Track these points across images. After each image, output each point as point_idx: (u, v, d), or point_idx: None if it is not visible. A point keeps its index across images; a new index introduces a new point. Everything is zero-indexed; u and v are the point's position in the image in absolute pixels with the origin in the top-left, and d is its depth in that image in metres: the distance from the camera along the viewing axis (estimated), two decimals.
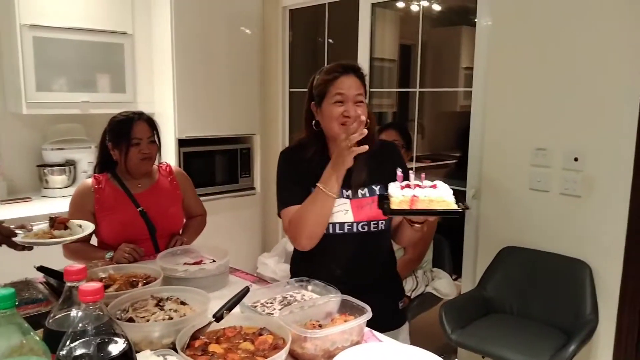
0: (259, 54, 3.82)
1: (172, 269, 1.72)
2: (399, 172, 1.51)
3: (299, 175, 1.69)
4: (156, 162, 2.23)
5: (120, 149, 2.07)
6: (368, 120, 1.57)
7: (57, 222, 1.72)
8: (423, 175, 1.49)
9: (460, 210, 1.39)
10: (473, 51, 2.74)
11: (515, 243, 2.47)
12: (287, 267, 3.62)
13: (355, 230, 1.68)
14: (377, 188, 1.69)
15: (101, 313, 0.76)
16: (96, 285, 0.74)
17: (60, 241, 1.72)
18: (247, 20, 3.71)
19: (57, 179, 3.28)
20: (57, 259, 2.13)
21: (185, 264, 1.82)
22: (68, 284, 0.83)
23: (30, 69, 2.98)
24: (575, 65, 2.25)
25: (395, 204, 1.41)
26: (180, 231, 2.28)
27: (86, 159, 3.36)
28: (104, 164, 2.18)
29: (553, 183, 2.35)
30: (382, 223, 1.70)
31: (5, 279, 1.75)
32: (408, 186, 1.45)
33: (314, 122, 1.71)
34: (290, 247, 3.79)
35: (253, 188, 3.95)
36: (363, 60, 3.33)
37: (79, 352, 0.73)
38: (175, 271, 1.71)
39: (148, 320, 1.33)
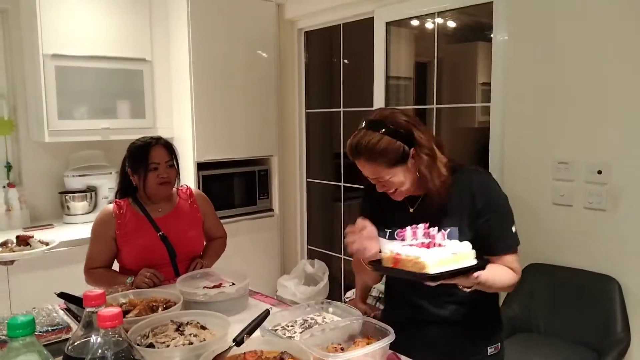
0: (275, 76, 3.86)
1: (191, 292, 1.71)
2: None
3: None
4: (176, 186, 2.24)
5: (139, 174, 2.09)
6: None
7: (19, 239, 1.81)
8: (442, 232, 1.34)
9: (431, 280, 1.22)
10: (489, 66, 2.73)
11: (539, 260, 2.42)
12: (307, 289, 3.63)
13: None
14: (449, 232, 1.42)
15: (120, 339, 0.75)
16: (115, 310, 0.73)
17: (12, 256, 1.87)
18: (264, 44, 3.75)
19: (79, 205, 3.32)
20: (79, 286, 2.15)
21: (204, 287, 1.81)
22: (87, 309, 0.83)
23: (53, 98, 3.04)
24: (595, 76, 2.21)
25: (384, 261, 1.34)
26: (201, 254, 2.28)
27: (107, 185, 3.40)
28: (124, 189, 2.19)
29: (577, 197, 2.30)
30: None
31: (27, 305, 1.76)
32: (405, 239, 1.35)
33: None
34: (309, 269, 3.78)
35: (272, 209, 3.94)
36: (379, 79, 3.34)
37: None
38: (195, 295, 1.70)
39: (168, 346, 1.32)
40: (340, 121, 3.77)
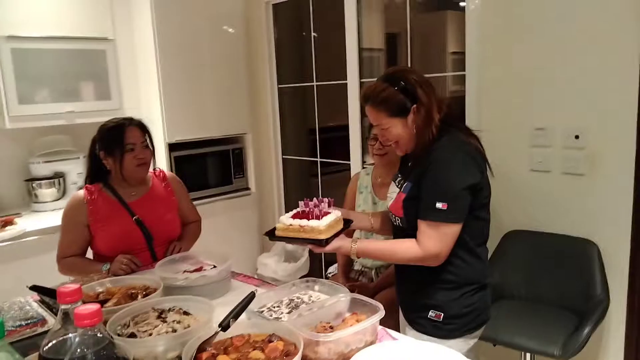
0: (244, 51, 3.75)
1: (172, 277, 1.66)
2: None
3: None
4: (150, 168, 2.16)
5: (114, 157, 2.00)
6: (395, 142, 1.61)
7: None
8: (326, 200, 1.60)
9: (322, 241, 1.50)
10: (459, 36, 2.69)
11: (519, 227, 2.43)
12: (288, 266, 3.61)
13: (392, 221, 1.71)
14: (406, 185, 1.62)
15: (100, 335, 0.70)
16: (93, 307, 0.67)
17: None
18: (230, 18, 3.63)
19: (47, 193, 3.20)
20: (52, 275, 2.07)
21: (185, 271, 1.76)
22: (62, 306, 0.77)
23: (11, 82, 2.89)
24: (570, 41, 2.20)
25: (278, 230, 1.60)
26: (177, 238, 2.21)
27: (75, 170, 3.28)
28: (94, 174, 2.10)
29: (554, 163, 2.31)
30: (397, 219, 1.65)
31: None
32: (298, 214, 1.60)
33: None
34: (289, 246, 3.75)
35: (248, 188, 3.88)
36: (351, 52, 3.27)
37: None
38: (175, 280, 1.65)
39: (151, 334, 1.27)
40: (313, 96, 3.70)
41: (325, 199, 1.61)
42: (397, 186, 1.68)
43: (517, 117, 2.41)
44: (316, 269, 3.79)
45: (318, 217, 1.54)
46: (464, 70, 2.67)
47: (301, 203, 1.62)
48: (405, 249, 1.55)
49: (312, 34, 3.66)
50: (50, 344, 0.78)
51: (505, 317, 2.17)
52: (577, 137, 2.21)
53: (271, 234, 1.62)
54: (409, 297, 1.70)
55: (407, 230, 1.60)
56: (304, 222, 1.53)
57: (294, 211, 1.64)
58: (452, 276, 1.59)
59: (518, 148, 2.41)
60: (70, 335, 0.76)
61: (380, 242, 1.65)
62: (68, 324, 0.78)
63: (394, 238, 1.71)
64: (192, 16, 3.41)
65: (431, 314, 1.61)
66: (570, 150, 2.25)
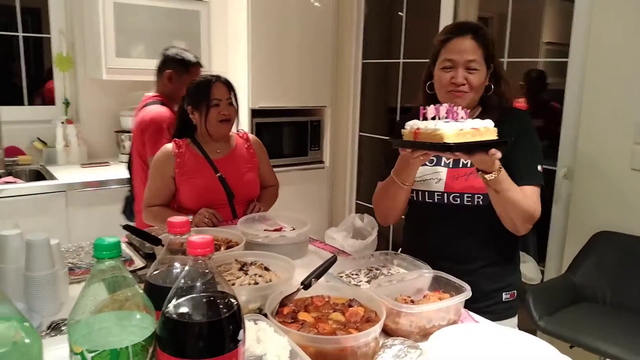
0: (333, 25, 3.71)
1: (253, 234, 1.68)
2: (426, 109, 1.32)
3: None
4: (234, 129, 2.20)
5: (200, 111, 2.05)
6: (490, 85, 1.53)
7: None
8: (458, 108, 1.30)
9: (451, 145, 1.21)
10: (556, 25, 2.53)
11: (611, 228, 2.28)
12: (355, 242, 3.59)
13: (445, 201, 1.56)
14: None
15: (209, 270, 0.70)
16: (206, 237, 0.68)
17: None
18: None
19: None
20: (131, 223, 2.16)
21: (265, 230, 1.78)
22: (171, 236, 0.79)
23: (111, 35, 3.02)
24: None
25: (404, 136, 1.36)
26: (256, 199, 2.25)
27: None
28: (182, 129, 2.16)
29: None
30: (478, 197, 1.51)
31: (85, 238, 1.78)
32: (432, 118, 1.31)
33: (427, 84, 1.60)
34: (358, 223, 3.73)
35: (322, 162, 3.88)
36: None
37: (186, 309, 0.67)
38: (257, 237, 1.67)
39: (233, 284, 1.29)
40: (398, 74, 3.62)
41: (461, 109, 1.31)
42: (440, 165, 1.56)
43: (622, 112, 2.24)
44: (382, 249, 3.75)
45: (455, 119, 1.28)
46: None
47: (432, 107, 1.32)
48: (527, 197, 1.44)
49: (404, 11, 3.57)
50: (156, 272, 0.81)
51: (586, 320, 2.06)
52: None
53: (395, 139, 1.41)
54: (481, 284, 1.51)
55: (486, 210, 1.47)
56: (431, 123, 1.28)
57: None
58: (514, 252, 1.63)
59: (620, 144, 2.25)
60: (176, 264, 0.78)
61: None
62: (174, 254, 0.80)
63: (447, 224, 1.58)
64: None
65: (505, 295, 1.57)
66: None
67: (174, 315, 0.67)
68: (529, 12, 3.62)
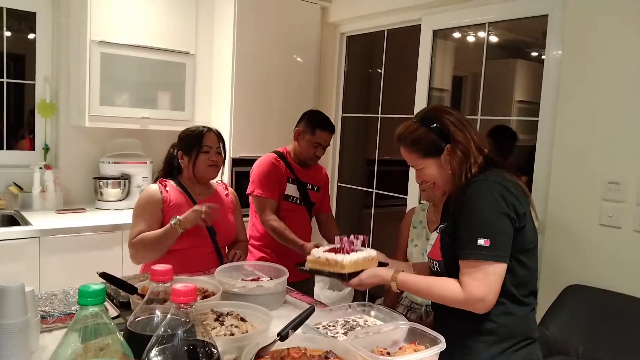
0: (315, 78, 3.84)
1: (230, 284, 1.68)
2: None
3: None
4: (218, 177, 2.27)
5: (190, 155, 2.16)
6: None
7: None
8: (359, 238, 1.62)
9: (344, 275, 1.52)
10: (528, 85, 2.67)
11: (582, 281, 2.33)
12: (332, 294, 3.57)
13: (431, 267, 1.58)
14: (441, 226, 1.56)
15: (188, 319, 0.72)
16: (190, 286, 0.70)
17: None
18: (306, 45, 3.74)
19: (112, 192, 3.34)
20: (107, 270, 2.13)
21: (242, 279, 1.78)
22: (154, 284, 0.80)
23: (96, 84, 3.07)
24: None
25: (307, 262, 1.64)
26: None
27: (141, 174, 3.41)
28: (167, 173, 2.27)
29: (626, 219, 2.22)
30: (435, 264, 1.53)
31: (57, 286, 1.76)
32: (332, 250, 1.62)
33: None
34: None
35: None
36: (421, 90, 3.29)
37: (166, 357, 0.68)
38: (234, 286, 1.67)
39: None
40: (376, 127, 3.72)
41: (361, 237, 1.63)
42: (436, 231, 1.60)
43: (590, 169, 2.34)
44: (359, 300, 3.73)
45: (347, 252, 1.57)
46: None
47: (337, 238, 1.63)
48: (445, 287, 1.40)
49: (383, 66, 3.72)
50: (137, 320, 0.81)
51: None
52: None
53: (302, 264, 1.68)
54: (448, 348, 1.41)
55: (444, 276, 1.46)
56: (330, 255, 1.57)
57: (329, 246, 1.67)
58: (492, 325, 1.42)
59: (588, 200, 2.34)
60: (157, 313, 0.79)
61: (422, 276, 1.54)
62: (155, 303, 0.80)
63: None
64: (270, 40, 3.54)
65: None
66: None
67: None
68: (502, 71, 3.80)
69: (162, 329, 0.71)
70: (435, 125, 1.50)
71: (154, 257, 2.05)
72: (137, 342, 0.74)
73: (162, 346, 0.69)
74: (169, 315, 0.70)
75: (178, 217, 2.01)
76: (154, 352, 0.69)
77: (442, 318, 1.54)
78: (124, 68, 3.16)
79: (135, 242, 2.06)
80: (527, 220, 1.44)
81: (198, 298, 1.57)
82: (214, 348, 0.72)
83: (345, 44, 3.90)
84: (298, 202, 2.61)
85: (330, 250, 1.61)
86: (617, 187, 2.24)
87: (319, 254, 1.60)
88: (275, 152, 2.63)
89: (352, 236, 1.62)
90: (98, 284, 0.70)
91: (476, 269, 1.35)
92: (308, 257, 1.63)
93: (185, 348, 0.69)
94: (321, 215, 2.78)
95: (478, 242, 1.35)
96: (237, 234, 2.33)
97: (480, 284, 1.34)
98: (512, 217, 1.38)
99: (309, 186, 2.66)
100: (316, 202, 2.69)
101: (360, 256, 1.56)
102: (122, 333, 0.75)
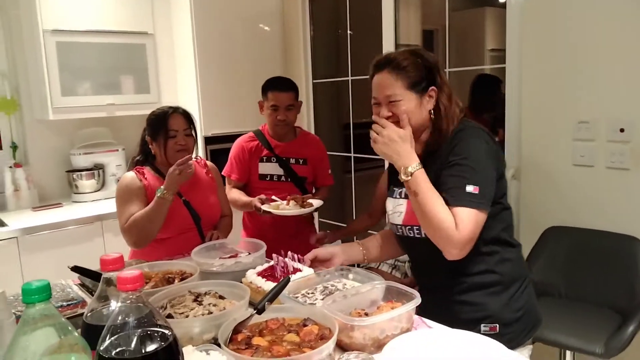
0: (280, 48, 3.77)
1: (207, 263, 1.68)
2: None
3: None
4: (193, 156, 2.22)
5: (158, 142, 2.09)
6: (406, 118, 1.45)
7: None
8: (296, 258, 1.62)
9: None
10: (498, 32, 2.64)
11: (560, 223, 2.36)
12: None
13: (404, 234, 1.56)
14: None
15: (141, 305, 0.70)
16: (135, 272, 0.68)
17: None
18: (267, 15, 3.65)
19: (87, 184, 3.29)
20: (90, 264, 2.11)
21: (220, 258, 1.78)
22: (104, 274, 0.78)
23: (55, 74, 2.98)
24: (616, 32, 2.12)
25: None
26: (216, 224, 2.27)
27: (114, 162, 3.36)
28: (143, 159, 2.19)
29: (598, 157, 2.24)
30: (416, 229, 1.51)
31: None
32: (266, 270, 1.61)
33: None
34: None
35: None
36: (388, 47, 3.24)
37: (119, 347, 0.67)
38: (211, 266, 1.67)
39: (187, 316, 1.28)
40: (348, 91, 3.68)
41: (296, 256, 1.63)
42: (402, 197, 1.55)
43: (560, 111, 2.34)
44: None
45: (277, 280, 1.51)
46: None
47: (275, 257, 1.61)
48: (447, 213, 1.35)
49: (348, 30, 3.65)
50: (93, 312, 0.80)
51: (544, 315, 2.10)
52: (622, 130, 2.14)
53: None
54: (454, 311, 1.49)
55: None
56: (260, 282, 1.52)
57: (265, 265, 1.64)
58: (497, 276, 1.46)
59: (560, 142, 2.35)
60: (112, 303, 0.77)
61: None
62: (110, 293, 0.79)
63: (417, 255, 1.63)
64: (230, 13, 3.45)
65: (484, 327, 1.45)
66: (614, 144, 2.18)
67: (108, 353, 0.67)
68: (472, 21, 3.76)
69: (113, 319, 0.69)
70: (428, 61, 1.47)
71: (150, 234, 1.99)
72: (93, 333, 0.73)
73: (115, 335, 0.68)
74: (118, 304, 0.69)
75: (162, 188, 1.96)
76: (107, 341, 0.68)
77: (446, 277, 1.51)
78: (82, 55, 3.07)
79: (127, 227, 2.01)
80: (503, 165, 1.50)
81: (176, 281, 1.57)
82: (168, 330, 0.71)
83: (308, 7, 3.81)
84: (282, 179, 2.49)
85: (263, 273, 1.59)
86: (587, 127, 2.25)
87: (252, 278, 1.56)
88: (255, 130, 2.57)
89: (289, 254, 1.61)
90: (41, 280, 0.68)
91: (467, 215, 1.36)
92: (243, 280, 1.56)
93: (138, 335, 0.68)
94: (319, 189, 2.66)
95: (467, 189, 1.37)
96: (222, 210, 2.30)
97: (472, 227, 1.36)
98: (499, 168, 1.45)
99: (292, 160, 2.52)
100: (307, 175, 2.55)
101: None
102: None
